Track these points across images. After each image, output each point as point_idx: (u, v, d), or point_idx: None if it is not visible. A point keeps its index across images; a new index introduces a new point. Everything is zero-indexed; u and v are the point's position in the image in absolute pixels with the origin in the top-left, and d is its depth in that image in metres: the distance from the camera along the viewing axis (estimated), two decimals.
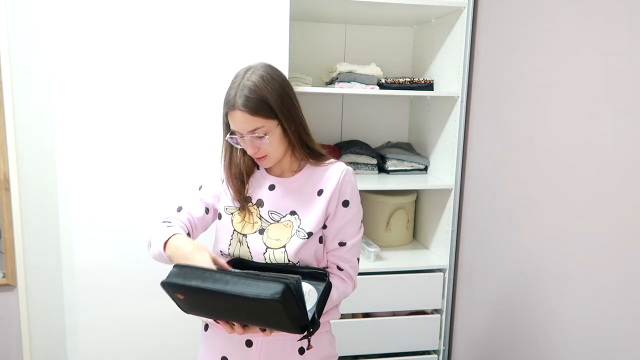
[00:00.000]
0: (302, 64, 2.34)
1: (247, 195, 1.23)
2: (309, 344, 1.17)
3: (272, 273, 0.97)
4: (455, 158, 2.06)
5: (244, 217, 1.21)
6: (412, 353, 2.18)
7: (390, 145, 2.48)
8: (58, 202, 1.79)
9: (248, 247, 1.19)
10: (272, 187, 1.23)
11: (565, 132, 1.46)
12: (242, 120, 1.10)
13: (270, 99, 1.10)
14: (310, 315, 1.04)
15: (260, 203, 1.22)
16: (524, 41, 1.66)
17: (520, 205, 1.69)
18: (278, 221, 1.20)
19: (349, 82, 2.06)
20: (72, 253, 1.81)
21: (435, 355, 2.20)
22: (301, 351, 1.21)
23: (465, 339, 2.09)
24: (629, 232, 1.24)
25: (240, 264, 1.18)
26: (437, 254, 2.23)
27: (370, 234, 2.33)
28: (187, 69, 1.78)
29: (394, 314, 2.17)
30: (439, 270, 2.16)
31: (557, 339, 1.51)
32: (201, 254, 1.04)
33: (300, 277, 0.97)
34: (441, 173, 2.21)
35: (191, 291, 0.96)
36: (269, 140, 1.12)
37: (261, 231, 1.19)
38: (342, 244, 1.22)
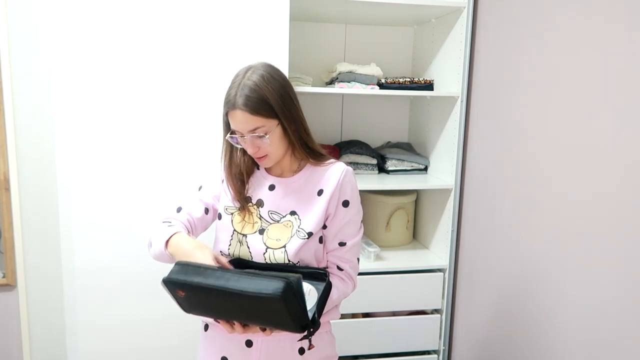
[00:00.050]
0: (302, 64, 2.34)
1: (247, 195, 1.23)
2: (310, 344, 1.17)
3: (273, 272, 0.97)
4: (455, 158, 2.06)
5: (244, 217, 1.21)
6: (412, 353, 2.18)
7: (390, 145, 2.48)
8: (58, 202, 1.79)
9: (248, 247, 1.19)
10: (272, 187, 1.23)
11: (565, 132, 1.46)
12: (242, 120, 1.10)
13: (271, 98, 1.10)
14: (310, 315, 1.04)
15: (260, 203, 1.22)
16: (523, 41, 1.66)
17: (520, 205, 1.69)
18: (278, 221, 1.20)
19: (349, 82, 2.06)
20: (72, 253, 1.82)
21: (435, 355, 2.20)
22: (301, 351, 1.21)
23: (465, 339, 2.09)
24: (629, 232, 1.24)
25: (240, 264, 1.18)
26: (437, 254, 2.23)
27: (370, 234, 2.33)
28: (187, 69, 1.78)
29: (394, 314, 2.17)
30: (439, 270, 2.16)
31: (557, 338, 1.51)
32: (203, 251, 1.05)
33: (301, 275, 0.97)
34: (441, 173, 2.21)
35: (192, 288, 0.96)
36: (269, 140, 1.12)
37: (261, 231, 1.19)
38: (342, 244, 1.22)
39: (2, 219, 1.80)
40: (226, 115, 1.14)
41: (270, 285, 0.91)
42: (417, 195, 2.42)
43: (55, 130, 1.74)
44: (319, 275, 1.15)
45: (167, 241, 1.10)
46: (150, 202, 1.83)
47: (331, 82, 2.16)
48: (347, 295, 1.24)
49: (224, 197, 1.25)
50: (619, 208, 1.27)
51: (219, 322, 1.07)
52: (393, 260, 2.17)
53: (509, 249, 1.76)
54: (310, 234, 1.17)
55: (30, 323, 1.88)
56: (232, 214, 1.22)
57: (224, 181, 1.26)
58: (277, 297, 0.90)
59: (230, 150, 1.23)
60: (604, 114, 1.32)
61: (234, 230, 1.20)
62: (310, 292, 1.09)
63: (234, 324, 1.04)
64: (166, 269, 1.02)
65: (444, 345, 2.19)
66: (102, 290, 1.85)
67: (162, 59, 1.76)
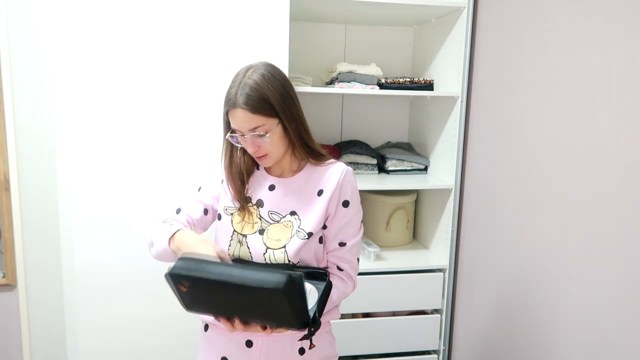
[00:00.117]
0: (302, 64, 2.34)
1: (247, 195, 1.23)
2: (311, 344, 1.17)
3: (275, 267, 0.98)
4: (455, 158, 2.06)
5: (244, 217, 1.21)
6: (412, 353, 2.18)
7: (390, 145, 2.48)
8: (58, 202, 1.79)
9: (248, 247, 1.19)
10: (272, 187, 1.23)
11: (565, 132, 1.46)
12: (243, 119, 1.10)
13: (271, 97, 1.10)
14: (311, 314, 1.04)
15: (260, 203, 1.22)
16: (523, 41, 1.66)
17: (520, 205, 1.69)
18: (278, 221, 1.20)
19: (349, 82, 2.06)
20: (72, 253, 1.82)
21: (435, 355, 2.20)
22: (301, 351, 1.21)
23: (465, 339, 2.09)
24: (629, 232, 1.24)
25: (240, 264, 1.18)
26: (437, 254, 2.23)
27: (370, 234, 2.33)
28: (187, 69, 1.78)
29: (394, 314, 2.17)
30: (439, 270, 2.16)
31: (557, 338, 1.51)
32: (206, 247, 1.06)
33: (303, 273, 0.98)
34: (441, 173, 2.21)
35: (195, 281, 0.96)
36: (269, 139, 1.12)
37: (261, 231, 1.19)
38: (342, 244, 1.22)
39: (2, 219, 1.80)
40: (226, 114, 1.14)
41: (273, 278, 0.92)
42: (417, 195, 2.42)
43: (55, 130, 1.74)
44: (320, 275, 1.15)
45: (171, 237, 1.11)
46: (150, 202, 1.83)
47: (331, 82, 2.16)
48: (347, 295, 1.24)
49: (224, 198, 1.25)
50: (619, 208, 1.27)
51: (219, 321, 1.07)
52: (393, 260, 2.17)
53: (509, 249, 1.76)
54: (310, 234, 1.17)
55: (30, 323, 1.88)
56: (231, 214, 1.22)
57: (224, 181, 1.26)
58: (280, 289, 0.90)
59: (231, 149, 1.23)
60: (604, 114, 1.32)
61: (234, 230, 1.20)
62: (311, 291, 1.09)
63: (235, 322, 1.04)
64: (167, 268, 1.02)
65: (444, 345, 2.19)
66: (102, 290, 1.85)
67: (162, 59, 1.76)
